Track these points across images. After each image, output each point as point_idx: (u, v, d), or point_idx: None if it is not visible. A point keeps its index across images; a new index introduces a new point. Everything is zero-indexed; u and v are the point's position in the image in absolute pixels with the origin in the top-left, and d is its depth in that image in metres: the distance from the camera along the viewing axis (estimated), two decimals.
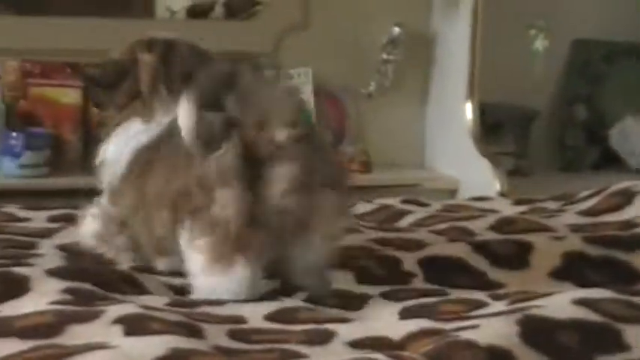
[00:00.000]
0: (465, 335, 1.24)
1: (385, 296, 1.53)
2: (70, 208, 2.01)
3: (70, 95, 3.08)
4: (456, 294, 1.53)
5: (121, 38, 1.78)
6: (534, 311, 1.32)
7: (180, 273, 1.56)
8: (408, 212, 2.15)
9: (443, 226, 1.97)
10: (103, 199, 1.72)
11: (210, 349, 1.23)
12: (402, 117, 3.44)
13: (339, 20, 3.36)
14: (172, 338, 1.24)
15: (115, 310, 1.33)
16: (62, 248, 1.76)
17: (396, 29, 3.38)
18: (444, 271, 1.63)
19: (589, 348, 1.25)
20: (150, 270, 1.63)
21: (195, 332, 1.29)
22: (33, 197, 2.37)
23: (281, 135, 1.45)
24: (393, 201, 2.27)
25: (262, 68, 3.02)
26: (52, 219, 2.01)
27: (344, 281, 1.59)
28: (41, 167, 2.97)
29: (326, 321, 1.37)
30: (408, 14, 3.40)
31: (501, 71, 3.40)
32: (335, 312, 1.47)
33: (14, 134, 2.97)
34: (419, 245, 1.73)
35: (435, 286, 1.59)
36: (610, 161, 3.69)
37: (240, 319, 1.39)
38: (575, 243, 1.70)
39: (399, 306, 1.47)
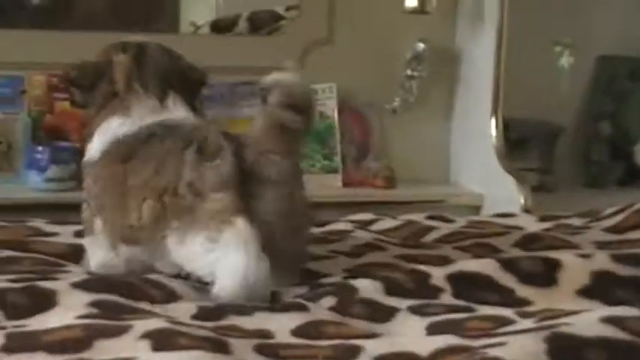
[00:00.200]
0: (493, 352, 1.24)
1: (413, 310, 1.52)
2: None
3: None
4: (484, 310, 1.52)
5: None
6: (562, 329, 1.31)
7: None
8: (433, 228, 2.15)
9: (467, 242, 1.97)
10: (86, 212, 1.75)
11: None
12: (427, 133, 3.44)
13: (364, 36, 3.35)
14: (200, 354, 1.24)
15: (142, 325, 1.33)
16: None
17: (421, 45, 3.37)
18: (471, 288, 1.62)
19: None
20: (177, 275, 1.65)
21: (221, 347, 1.28)
22: (59, 211, 2.37)
23: None
24: (418, 217, 2.27)
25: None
26: (79, 234, 2.01)
27: (373, 290, 1.58)
28: (67, 181, 2.98)
29: (353, 336, 1.37)
30: (433, 30, 3.39)
31: (526, 87, 3.39)
32: (362, 324, 1.47)
33: (40, 148, 2.98)
34: (445, 261, 1.73)
35: (462, 302, 1.58)
36: (635, 177, 3.67)
37: (267, 334, 1.39)
38: (603, 261, 1.69)
39: (426, 321, 1.46)
